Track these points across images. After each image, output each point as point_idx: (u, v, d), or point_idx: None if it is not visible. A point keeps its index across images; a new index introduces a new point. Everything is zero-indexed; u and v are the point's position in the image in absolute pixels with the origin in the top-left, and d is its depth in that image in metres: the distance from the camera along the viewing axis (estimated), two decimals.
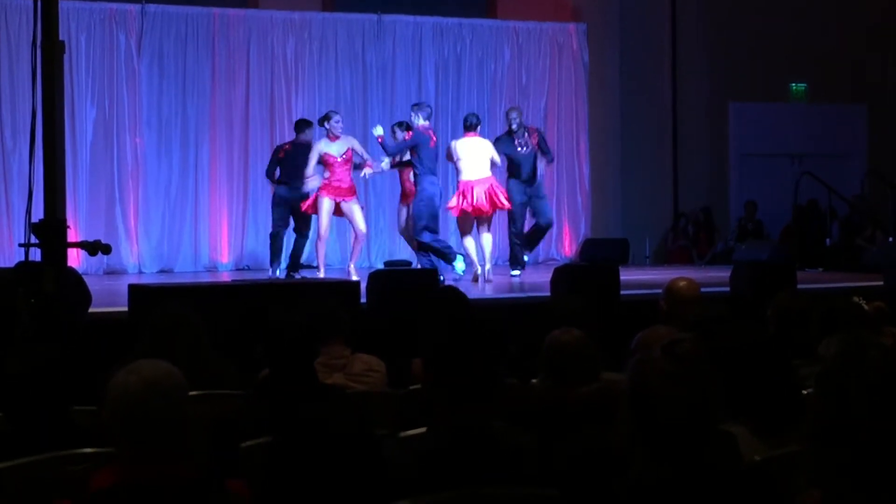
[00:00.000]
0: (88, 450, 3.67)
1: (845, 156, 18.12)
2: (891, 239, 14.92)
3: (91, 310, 7.69)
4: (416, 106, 12.42)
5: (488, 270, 12.10)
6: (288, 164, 12.53)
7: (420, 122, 12.07)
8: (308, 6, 15.62)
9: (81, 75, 14.30)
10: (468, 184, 11.99)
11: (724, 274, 10.62)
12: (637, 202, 16.97)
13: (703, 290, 6.74)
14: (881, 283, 10.62)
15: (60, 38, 7.52)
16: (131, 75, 14.52)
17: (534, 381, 4.84)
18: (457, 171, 12.24)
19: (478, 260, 12.12)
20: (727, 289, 9.87)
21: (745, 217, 17.13)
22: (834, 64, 17.69)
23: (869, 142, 18.42)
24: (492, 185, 12.04)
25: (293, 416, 3.56)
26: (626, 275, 10.31)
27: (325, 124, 12.17)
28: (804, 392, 3.91)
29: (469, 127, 12.31)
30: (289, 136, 14.96)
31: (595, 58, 16.78)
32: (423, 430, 3.76)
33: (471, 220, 12.17)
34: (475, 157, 12.04)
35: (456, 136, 15.69)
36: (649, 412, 2.99)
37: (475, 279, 11.97)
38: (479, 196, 11.91)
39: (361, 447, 3.03)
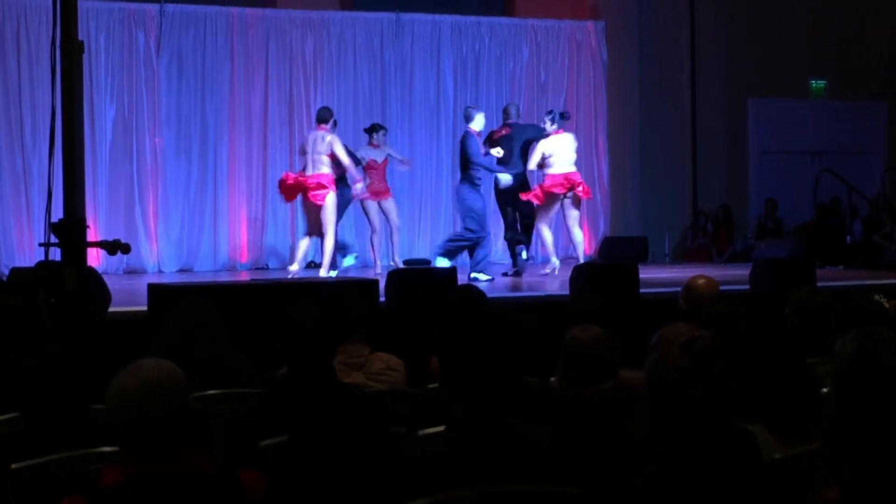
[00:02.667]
0: (106, 448, 3.68)
1: (865, 153, 18.04)
2: None
3: (111, 309, 7.71)
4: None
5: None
6: None
7: None
8: (326, 5, 15.64)
9: (101, 75, 14.35)
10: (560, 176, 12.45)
11: (743, 272, 10.59)
12: (656, 200, 16.92)
13: (722, 288, 6.74)
14: None
15: (79, 37, 7.59)
16: (150, 75, 14.57)
17: (552, 378, 4.84)
18: (547, 167, 12.56)
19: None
20: (747, 286, 9.85)
21: (765, 215, 17.05)
22: (854, 60, 17.62)
23: (889, 139, 18.34)
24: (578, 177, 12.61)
25: (310, 415, 3.56)
26: (646, 273, 10.28)
27: (374, 135, 13.19)
28: (823, 390, 3.90)
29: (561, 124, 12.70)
30: (308, 134, 14.96)
31: (614, 55, 16.77)
32: (440, 428, 3.77)
33: (553, 211, 12.58)
34: (565, 153, 12.52)
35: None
36: (667, 409, 2.98)
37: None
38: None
39: (379, 446, 3.03)
